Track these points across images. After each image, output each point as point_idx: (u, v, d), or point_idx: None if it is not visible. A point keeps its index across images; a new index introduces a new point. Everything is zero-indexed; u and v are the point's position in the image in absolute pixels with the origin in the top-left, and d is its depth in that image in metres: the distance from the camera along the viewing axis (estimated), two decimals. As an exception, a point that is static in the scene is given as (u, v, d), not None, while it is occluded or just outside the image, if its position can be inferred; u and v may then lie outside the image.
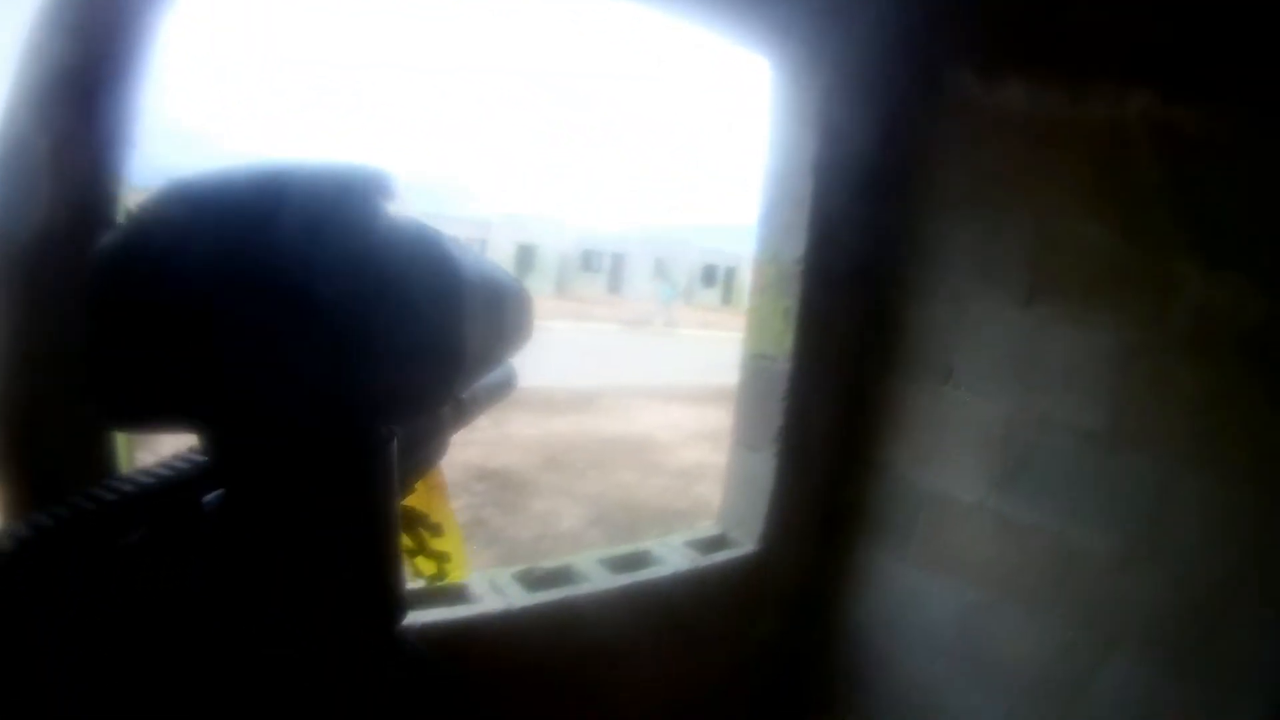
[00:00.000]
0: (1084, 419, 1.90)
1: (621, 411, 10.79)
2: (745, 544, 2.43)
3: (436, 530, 0.88)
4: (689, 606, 2.23)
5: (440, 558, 0.89)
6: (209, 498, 0.54)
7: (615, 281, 37.61)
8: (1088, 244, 1.87)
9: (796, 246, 2.27)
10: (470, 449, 7.22)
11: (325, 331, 0.51)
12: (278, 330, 0.50)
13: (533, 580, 2.04)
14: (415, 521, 0.87)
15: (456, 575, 0.94)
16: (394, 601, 0.61)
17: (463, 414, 0.79)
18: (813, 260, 2.26)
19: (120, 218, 0.68)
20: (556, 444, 8.63)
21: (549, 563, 2.14)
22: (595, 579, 2.10)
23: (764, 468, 2.39)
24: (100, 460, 1.53)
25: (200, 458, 0.56)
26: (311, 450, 0.55)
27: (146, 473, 0.56)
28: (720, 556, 2.39)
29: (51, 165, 1.29)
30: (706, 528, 2.54)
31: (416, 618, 1.73)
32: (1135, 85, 1.74)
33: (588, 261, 37.57)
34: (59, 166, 1.29)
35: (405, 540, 0.85)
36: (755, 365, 2.42)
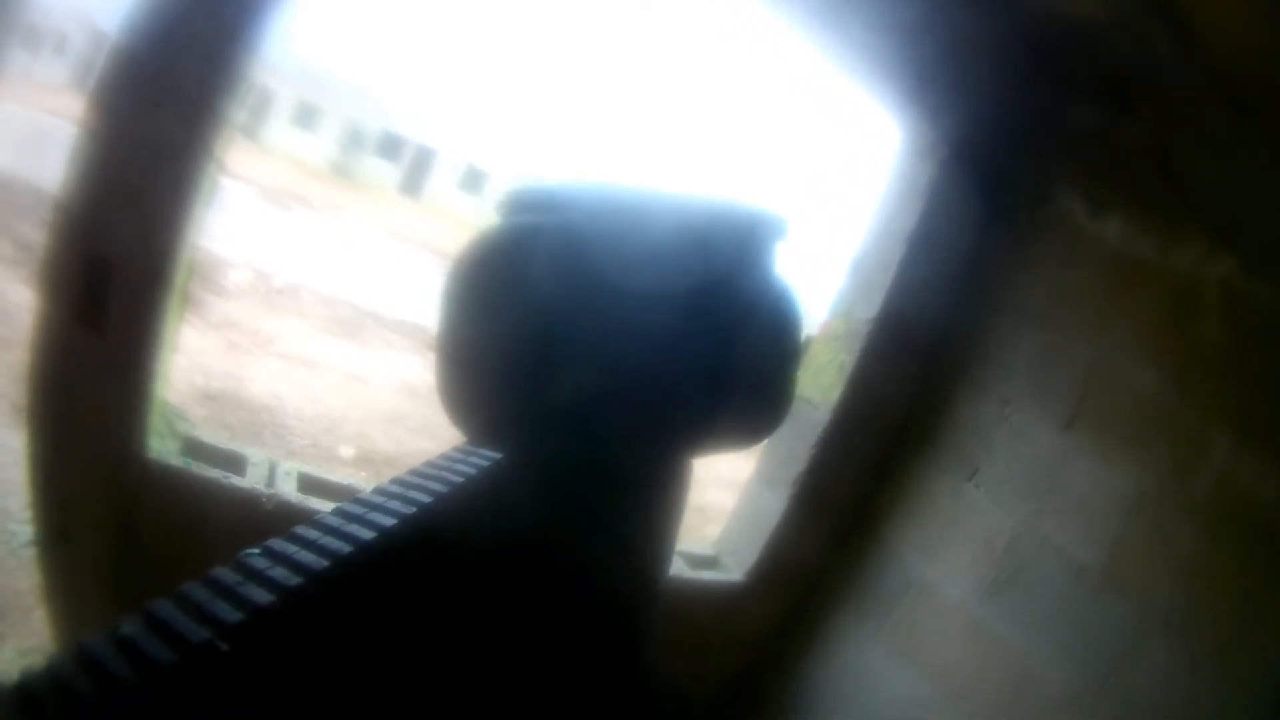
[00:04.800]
0: (1081, 552, 1.89)
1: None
2: (734, 573, 2.51)
3: None
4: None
5: None
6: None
7: (412, 182, 28.11)
8: (1136, 386, 1.88)
9: (870, 308, 2.36)
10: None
11: (724, 359, 0.52)
12: (686, 350, 0.51)
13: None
14: None
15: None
16: (650, 633, 0.59)
17: None
18: (881, 325, 2.35)
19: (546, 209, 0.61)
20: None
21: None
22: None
23: (775, 506, 2.47)
24: (134, 409, 1.58)
25: (478, 463, 0.52)
26: (643, 466, 0.54)
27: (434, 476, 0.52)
28: (706, 575, 2.49)
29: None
30: (701, 545, 2.64)
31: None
32: (1223, 249, 1.77)
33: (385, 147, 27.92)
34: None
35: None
36: (796, 407, 2.51)
